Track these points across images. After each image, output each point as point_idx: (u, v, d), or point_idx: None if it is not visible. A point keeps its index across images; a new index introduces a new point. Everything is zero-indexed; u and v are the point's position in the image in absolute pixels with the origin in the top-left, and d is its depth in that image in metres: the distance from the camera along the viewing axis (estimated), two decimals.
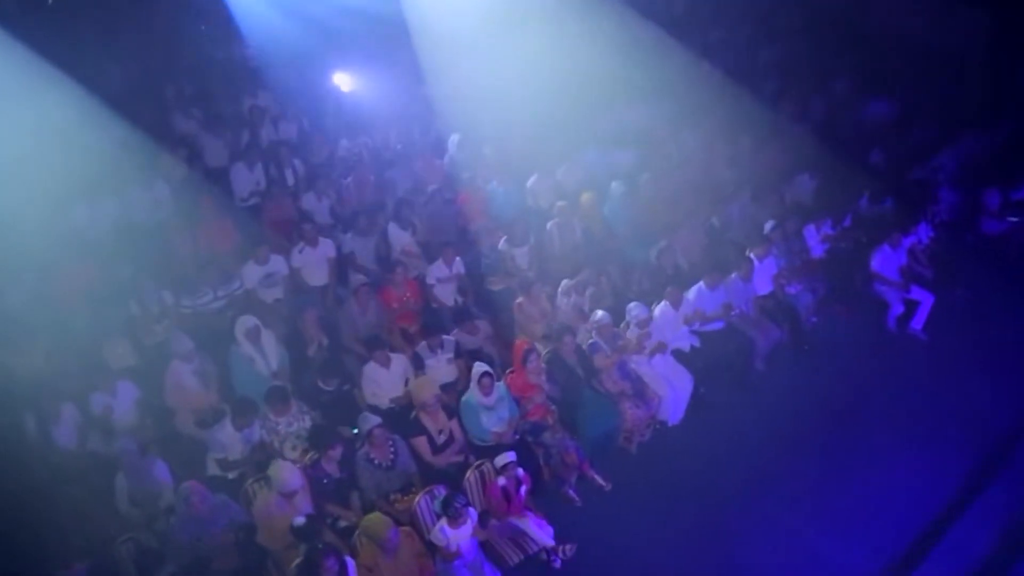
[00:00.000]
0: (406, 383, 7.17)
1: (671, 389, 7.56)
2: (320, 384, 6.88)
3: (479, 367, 6.65)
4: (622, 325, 7.68)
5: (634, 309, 7.61)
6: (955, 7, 12.09)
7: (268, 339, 7.09)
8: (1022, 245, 10.09)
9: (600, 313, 7.43)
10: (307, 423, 6.63)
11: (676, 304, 7.80)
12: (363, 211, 8.61)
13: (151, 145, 8.97)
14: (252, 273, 7.77)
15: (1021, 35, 11.72)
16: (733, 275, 8.29)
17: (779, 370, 8.40)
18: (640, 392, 7.42)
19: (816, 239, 9.29)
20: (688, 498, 6.87)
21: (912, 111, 12.30)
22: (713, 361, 7.99)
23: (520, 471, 6.12)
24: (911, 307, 9.00)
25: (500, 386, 6.75)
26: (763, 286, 8.60)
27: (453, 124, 10.25)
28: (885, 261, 8.97)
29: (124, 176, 8.57)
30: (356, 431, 6.64)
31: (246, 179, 9.07)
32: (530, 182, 9.62)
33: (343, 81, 10.70)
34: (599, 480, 6.94)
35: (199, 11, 10.26)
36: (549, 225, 8.88)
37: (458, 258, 8.16)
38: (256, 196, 9.08)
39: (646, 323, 7.56)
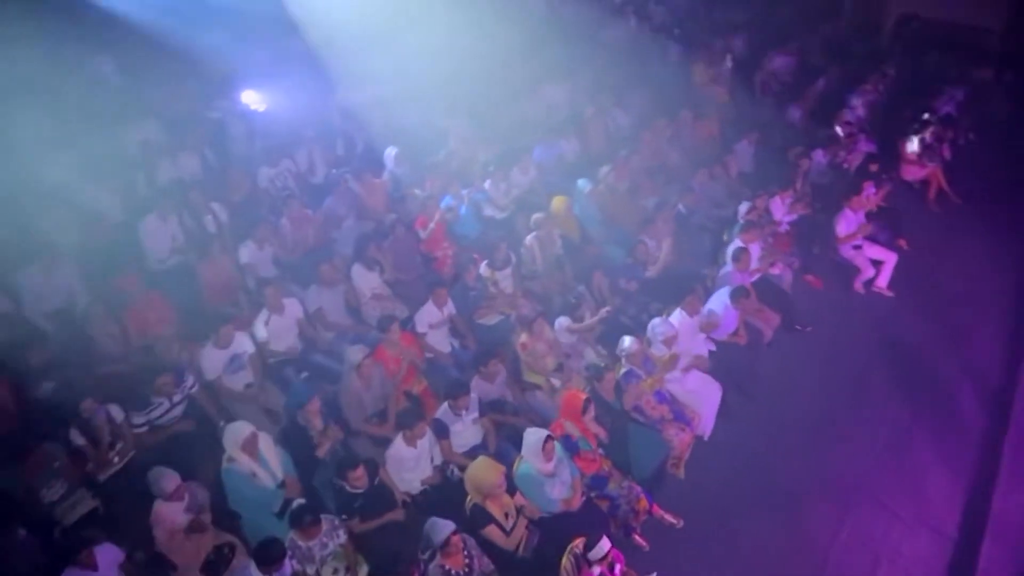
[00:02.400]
0: (432, 460, 6.23)
1: (704, 402, 7.14)
2: (348, 488, 5.71)
3: (536, 433, 5.79)
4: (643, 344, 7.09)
5: (658, 326, 7.02)
6: None
7: (266, 443, 5.78)
8: (941, 190, 10.64)
9: (628, 340, 6.77)
10: (342, 538, 5.51)
11: (693, 312, 7.32)
12: (322, 256, 7.27)
13: (23, 210, 6.98)
14: (214, 360, 6.29)
15: None
16: (730, 268, 7.98)
17: (781, 355, 8.23)
18: (680, 413, 6.92)
19: (782, 211, 9.16)
20: (751, 512, 6.57)
21: (808, 60, 12.55)
22: (730, 362, 7.66)
23: (612, 550, 5.42)
24: (876, 267, 9.19)
25: (557, 447, 5.97)
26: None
27: (379, 134, 8.96)
28: (848, 224, 9.02)
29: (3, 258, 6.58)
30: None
31: (161, 235, 7.33)
32: (487, 187, 8.64)
33: (248, 97, 8.96)
34: (669, 519, 6.41)
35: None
36: (528, 239, 8.04)
37: (450, 299, 7.13)
38: (177, 254, 7.39)
39: (673, 340, 7.01)
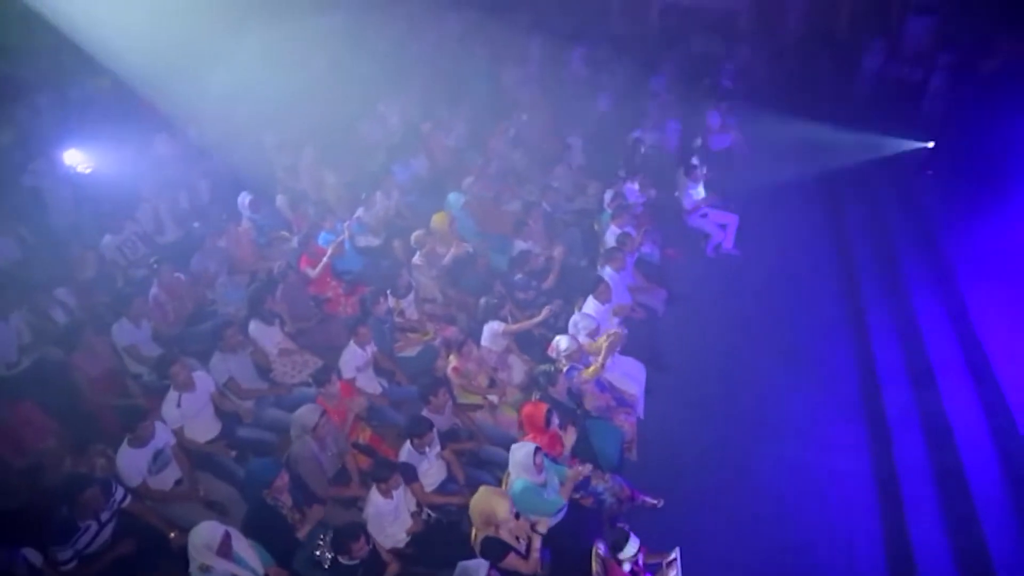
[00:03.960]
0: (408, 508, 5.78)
1: (636, 383, 7.34)
2: (343, 560, 5.11)
3: (523, 448, 5.63)
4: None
5: (580, 321, 7.13)
6: None
7: (238, 539, 4.98)
8: (745, 155, 11.90)
9: (565, 341, 6.78)
10: None
11: (606, 299, 7.50)
12: (204, 322, 6.41)
13: None
14: (134, 462, 5.27)
15: None
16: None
17: (673, 327, 8.68)
18: (621, 399, 7.07)
19: (635, 194, 9.67)
20: (704, 475, 6.88)
21: (598, 54, 13.35)
22: (638, 340, 7.94)
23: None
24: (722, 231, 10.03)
25: (543, 456, 5.82)
26: None
27: (222, 176, 8.08)
28: (692, 196, 9.76)
29: None
30: None
31: (3, 336, 5.96)
32: (360, 216, 8.15)
33: (73, 157, 7.48)
34: (649, 501, 6.51)
35: None
36: (416, 259, 7.72)
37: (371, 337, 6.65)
38: (29, 354, 6.08)
39: (596, 332, 7.14)
